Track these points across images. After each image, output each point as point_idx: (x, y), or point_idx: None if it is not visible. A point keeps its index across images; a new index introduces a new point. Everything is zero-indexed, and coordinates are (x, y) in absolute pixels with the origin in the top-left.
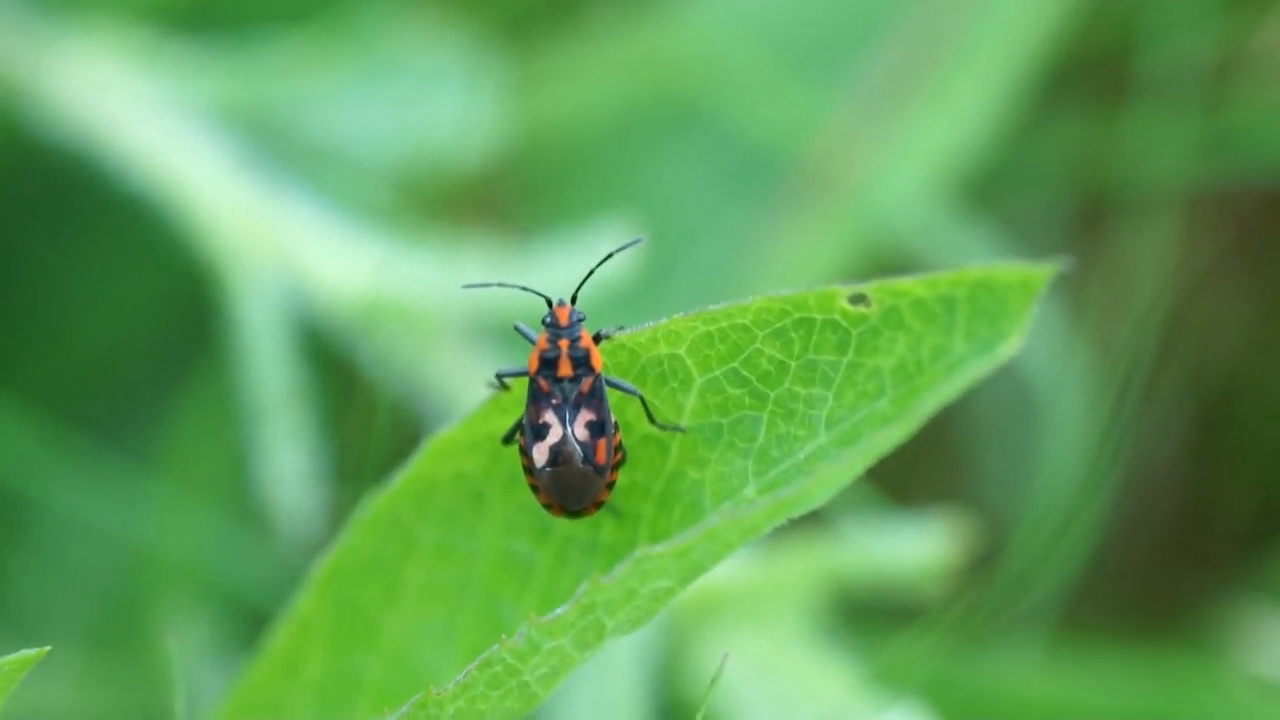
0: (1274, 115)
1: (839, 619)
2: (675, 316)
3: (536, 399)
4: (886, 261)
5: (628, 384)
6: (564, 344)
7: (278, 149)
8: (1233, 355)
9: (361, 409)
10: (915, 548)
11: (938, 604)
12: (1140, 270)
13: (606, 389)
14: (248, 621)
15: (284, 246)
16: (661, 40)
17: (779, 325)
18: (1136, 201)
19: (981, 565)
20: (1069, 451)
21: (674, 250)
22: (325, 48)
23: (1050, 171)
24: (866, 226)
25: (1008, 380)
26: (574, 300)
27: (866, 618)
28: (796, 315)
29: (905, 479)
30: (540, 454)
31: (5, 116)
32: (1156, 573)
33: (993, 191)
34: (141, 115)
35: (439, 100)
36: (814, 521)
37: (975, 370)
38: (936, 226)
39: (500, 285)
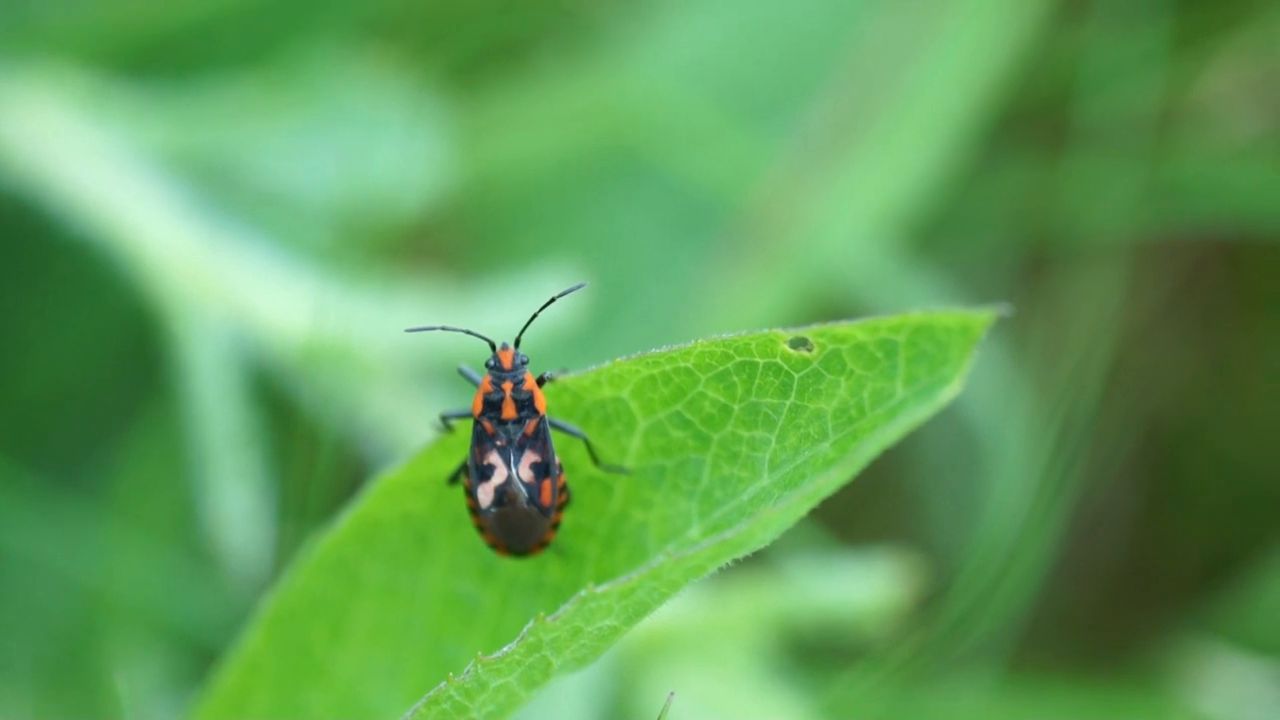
0: (1217, 165)
1: (786, 659)
2: (618, 360)
3: (481, 440)
4: (831, 308)
5: (572, 426)
6: (508, 386)
7: (223, 194)
8: (1178, 402)
9: (306, 450)
10: (861, 588)
11: (884, 643)
12: (1084, 317)
13: (551, 431)
14: (196, 659)
15: (230, 290)
16: (606, 89)
17: (721, 369)
18: (1081, 249)
19: (927, 605)
20: (1013, 494)
21: (618, 297)
22: (271, 94)
23: (994, 219)
24: (809, 273)
25: (953, 423)
26: (517, 343)
27: (813, 658)
28: (739, 359)
29: (851, 520)
30: (485, 495)
31: None
32: (1103, 615)
33: (937, 239)
34: (88, 159)
35: (382, 146)
36: (761, 562)
37: (916, 414)
38: (880, 273)
39: (444, 329)
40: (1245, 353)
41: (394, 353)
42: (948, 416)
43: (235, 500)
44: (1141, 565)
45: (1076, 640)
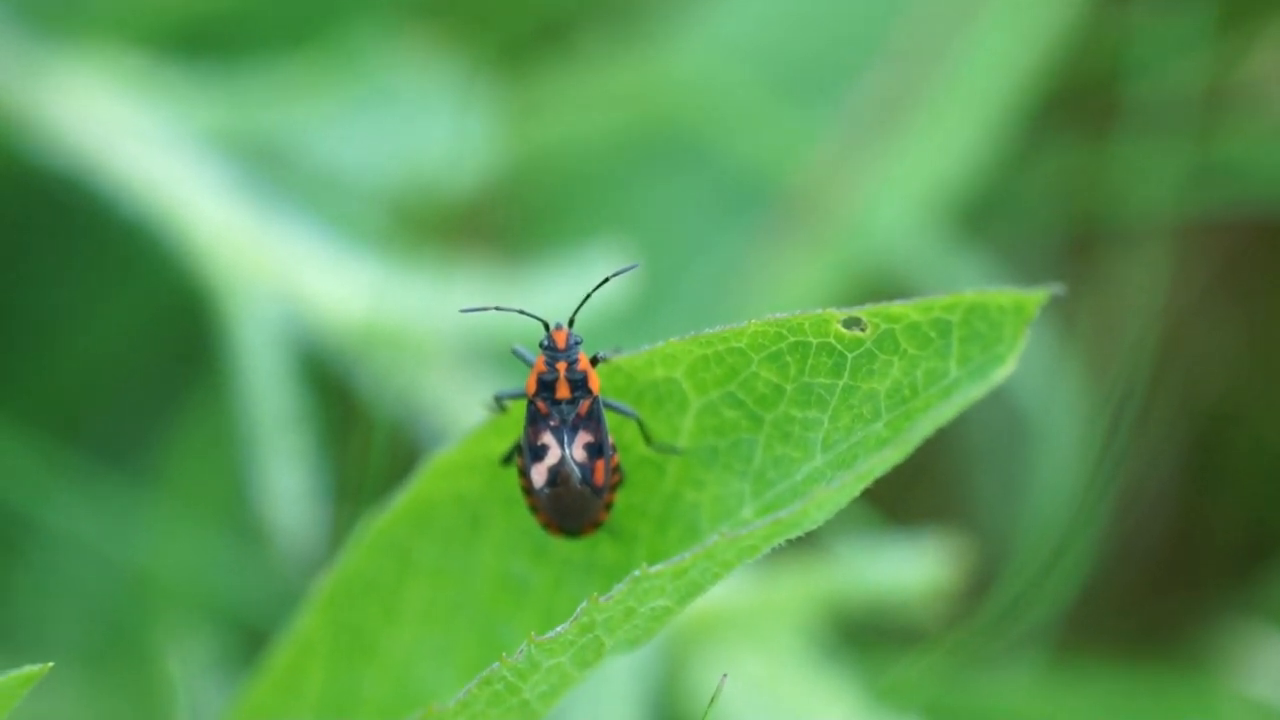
0: (1263, 145)
1: (836, 640)
2: (671, 340)
3: (535, 421)
4: (877, 288)
5: (625, 406)
6: (561, 366)
7: (273, 174)
8: (1223, 382)
9: (359, 430)
10: (911, 570)
11: (934, 626)
12: (1131, 298)
13: (604, 411)
14: (247, 640)
15: (280, 270)
16: (653, 68)
17: (774, 349)
18: (1127, 230)
19: (977, 588)
20: (1062, 475)
21: (667, 276)
22: (319, 74)
23: (1040, 200)
24: (857, 253)
25: (1001, 404)
26: (571, 323)
27: (863, 639)
28: (792, 339)
29: (901, 502)
30: (539, 475)
31: (2, 140)
32: (1150, 597)
33: (983, 219)
34: (137, 139)
35: (432, 126)
36: (811, 543)
37: (969, 394)
38: (927, 253)
39: (497, 309)
40: None
41: (447, 333)
42: (996, 398)
43: (286, 481)
44: (1185, 547)
45: (1121, 622)
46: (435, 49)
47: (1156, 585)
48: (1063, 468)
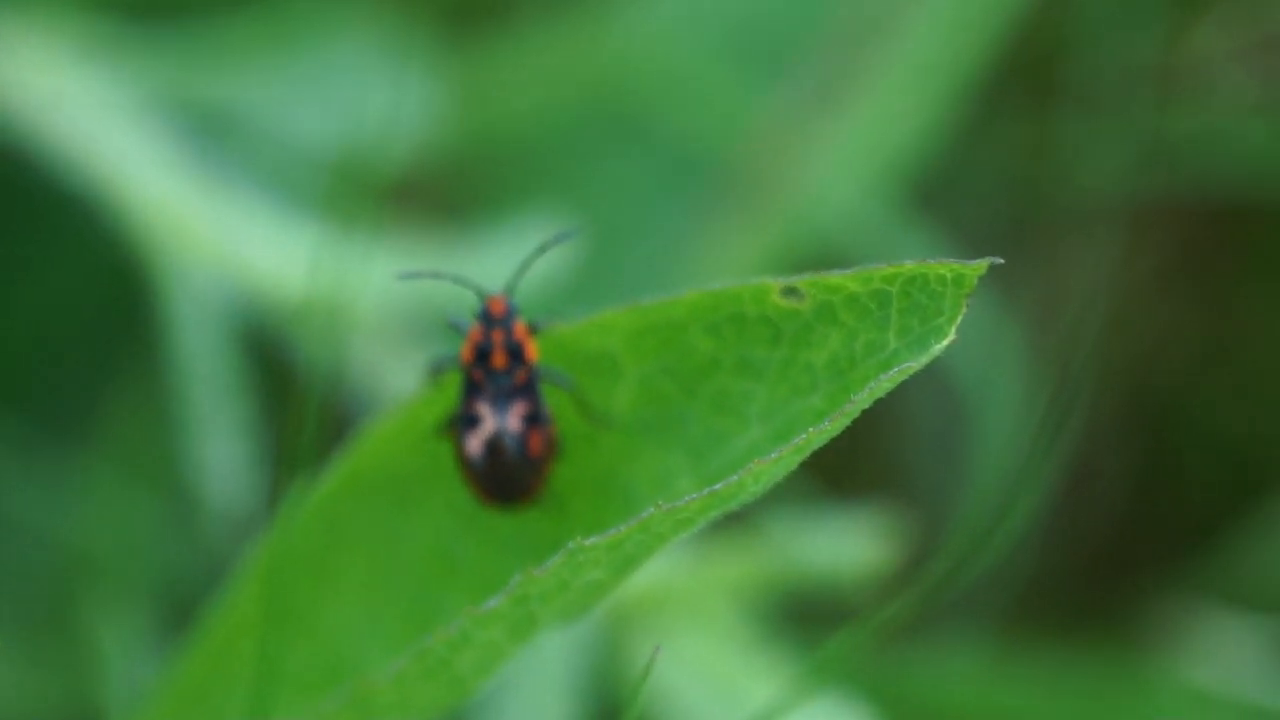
0: (1213, 127)
1: (773, 617)
2: (609, 310)
3: (471, 390)
4: (822, 262)
5: (562, 376)
6: (498, 335)
7: (212, 141)
8: (1172, 365)
9: (294, 399)
10: (849, 546)
11: (872, 602)
12: (1078, 279)
13: (541, 381)
14: (180, 612)
15: (217, 238)
16: (598, 38)
17: (711, 319)
18: (1076, 211)
19: (916, 563)
20: (1002, 453)
21: (611, 248)
22: (261, 39)
23: (989, 176)
24: (801, 227)
25: (943, 382)
26: (510, 292)
27: (801, 616)
28: (729, 310)
29: (839, 479)
30: (474, 445)
31: None
32: (1094, 578)
33: (930, 196)
34: (76, 105)
35: (372, 93)
36: (749, 521)
37: (908, 365)
38: (873, 227)
39: (435, 276)
40: (1240, 316)
41: (383, 303)
42: (939, 375)
43: (220, 451)
44: (1132, 529)
45: (1066, 602)
46: (378, 17)
47: (1102, 567)
48: (1004, 446)
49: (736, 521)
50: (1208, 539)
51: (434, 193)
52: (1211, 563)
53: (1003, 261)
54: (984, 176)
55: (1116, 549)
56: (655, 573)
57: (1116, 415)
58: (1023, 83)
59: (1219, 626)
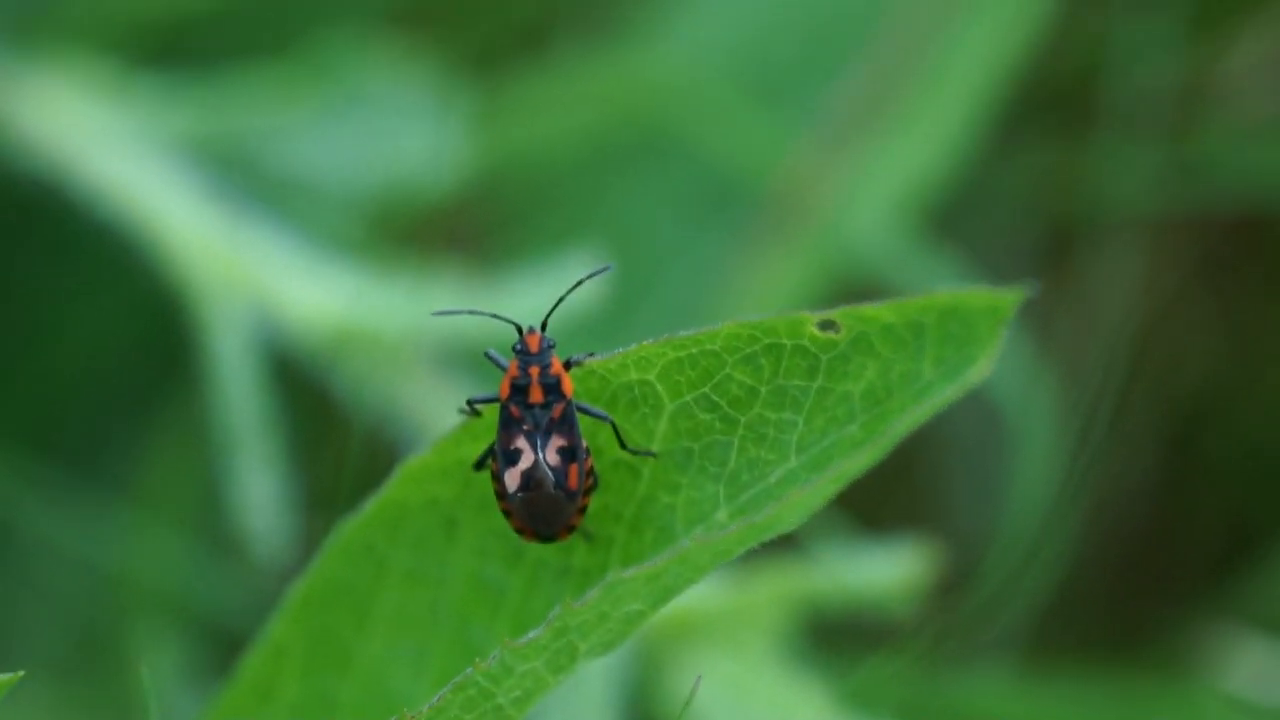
0: (1239, 143)
1: (810, 642)
2: (645, 343)
3: (508, 425)
4: (854, 289)
5: (599, 410)
6: (535, 370)
7: (247, 180)
8: (1199, 380)
9: (334, 437)
10: (885, 571)
11: (908, 627)
12: (1106, 296)
13: (577, 415)
14: (221, 647)
15: (253, 276)
16: (629, 70)
17: (749, 351)
18: (1102, 228)
19: (951, 589)
20: (1038, 475)
21: (643, 279)
22: (294, 80)
23: (1016, 199)
24: (834, 254)
25: (976, 404)
26: (544, 327)
27: (837, 641)
28: (766, 341)
29: (875, 503)
30: (512, 479)
31: None
32: (1126, 596)
33: (959, 219)
34: (111, 146)
35: (407, 132)
36: (785, 545)
37: (944, 395)
38: (903, 254)
39: (471, 313)
40: (1266, 331)
41: (421, 339)
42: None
43: (260, 487)
44: (1163, 544)
45: (1097, 622)
46: (411, 54)
47: (1133, 584)
48: (1038, 467)
49: (773, 546)
50: (1237, 551)
51: (469, 227)
52: (1241, 579)
53: (1036, 290)
54: (1011, 197)
55: (1145, 565)
56: (692, 598)
57: (1141, 430)
58: (1049, 104)
59: (1249, 644)
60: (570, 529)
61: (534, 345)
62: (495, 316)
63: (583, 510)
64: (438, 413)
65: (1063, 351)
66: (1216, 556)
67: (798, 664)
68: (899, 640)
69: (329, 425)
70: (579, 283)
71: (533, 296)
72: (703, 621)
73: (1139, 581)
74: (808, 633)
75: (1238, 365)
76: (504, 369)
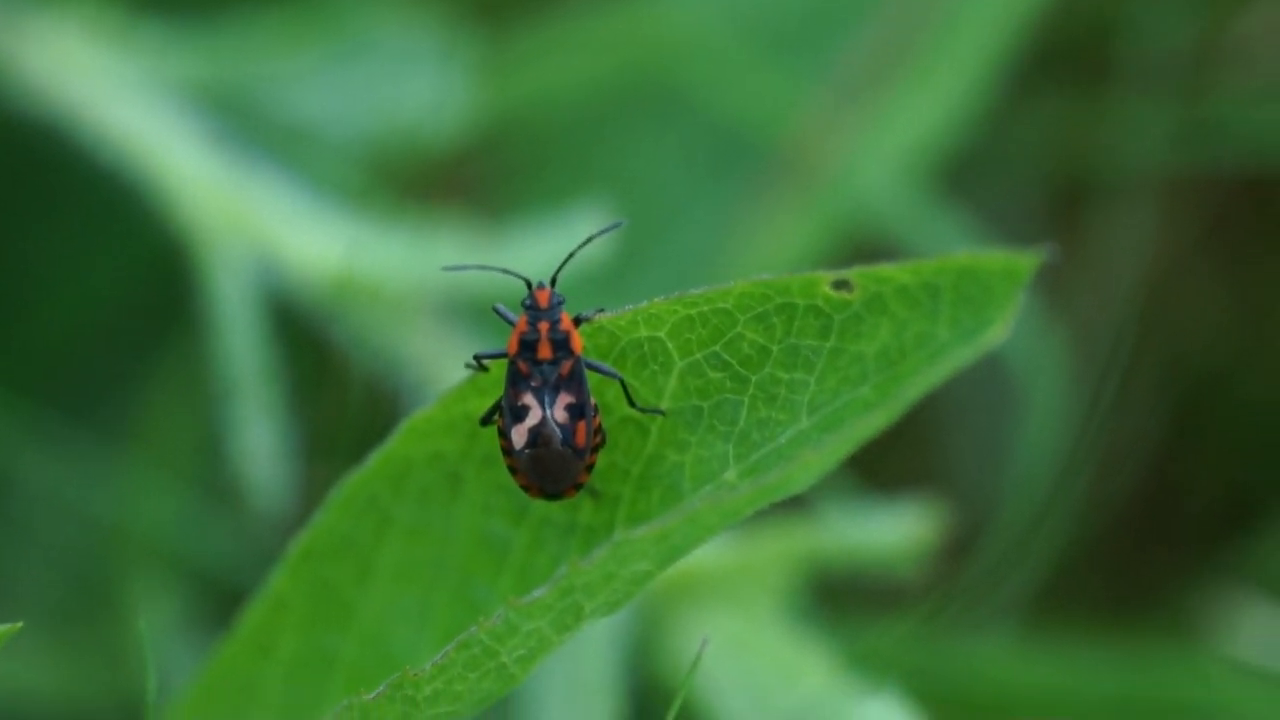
0: (1251, 103)
1: (815, 602)
2: (656, 300)
3: (516, 381)
4: (863, 245)
5: (607, 367)
6: (544, 326)
7: (251, 128)
8: (1209, 341)
9: (335, 388)
10: (892, 532)
11: (914, 588)
12: (1114, 255)
13: (586, 371)
14: (219, 599)
15: (256, 224)
16: (638, 22)
17: (761, 310)
18: (1113, 186)
19: (957, 550)
20: (1045, 435)
21: (650, 233)
22: (298, 26)
23: (1027, 156)
24: (844, 210)
25: (984, 365)
26: (553, 283)
27: (842, 601)
28: (779, 300)
29: (882, 464)
30: (519, 436)
31: None
32: (1132, 558)
33: (970, 176)
34: (114, 93)
35: (411, 80)
36: (791, 504)
37: (959, 357)
38: (913, 210)
39: (480, 268)
40: (1273, 292)
41: (425, 290)
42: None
43: (259, 437)
44: (1169, 508)
45: (1104, 583)
46: (415, 3)
47: (1138, 546)
48: (1045, 428)
49: (779, 505)
50: (1241, 514)
51: (474, 177)
52: (1245, 542)
53: (1055, 252)
54: (1022, 154)
55: (1150, 527)
56: (697, 556)
57: (1150, 391)
58: (1061, 62)
59: (1253, 608)
60: (577, 486)
61: (543, 301)
62: (506, 272)
63: (590, 467)
64: (440, 364)
65: (1070, 311)
66: (1222, 520)
67: (802, 624)
68: (904, 601)
69: (330, 375)
70: (590, 238)
71: (539, 250)
72: (707, 580)
73: (1145, 544)
74: (813, 592)
75: (1244, 326)
76: (512, 324)
